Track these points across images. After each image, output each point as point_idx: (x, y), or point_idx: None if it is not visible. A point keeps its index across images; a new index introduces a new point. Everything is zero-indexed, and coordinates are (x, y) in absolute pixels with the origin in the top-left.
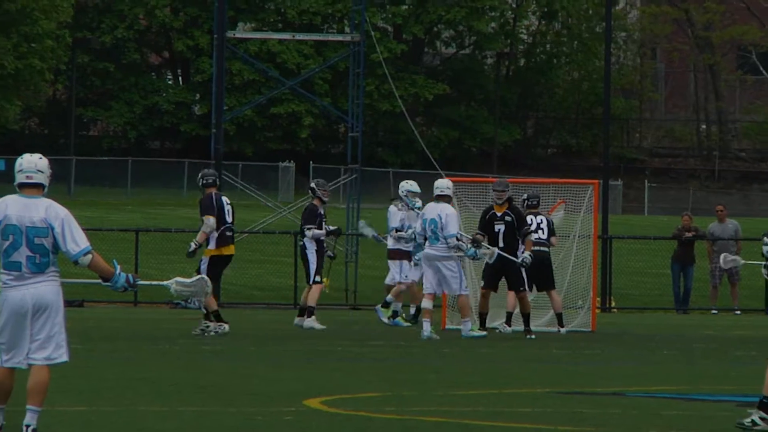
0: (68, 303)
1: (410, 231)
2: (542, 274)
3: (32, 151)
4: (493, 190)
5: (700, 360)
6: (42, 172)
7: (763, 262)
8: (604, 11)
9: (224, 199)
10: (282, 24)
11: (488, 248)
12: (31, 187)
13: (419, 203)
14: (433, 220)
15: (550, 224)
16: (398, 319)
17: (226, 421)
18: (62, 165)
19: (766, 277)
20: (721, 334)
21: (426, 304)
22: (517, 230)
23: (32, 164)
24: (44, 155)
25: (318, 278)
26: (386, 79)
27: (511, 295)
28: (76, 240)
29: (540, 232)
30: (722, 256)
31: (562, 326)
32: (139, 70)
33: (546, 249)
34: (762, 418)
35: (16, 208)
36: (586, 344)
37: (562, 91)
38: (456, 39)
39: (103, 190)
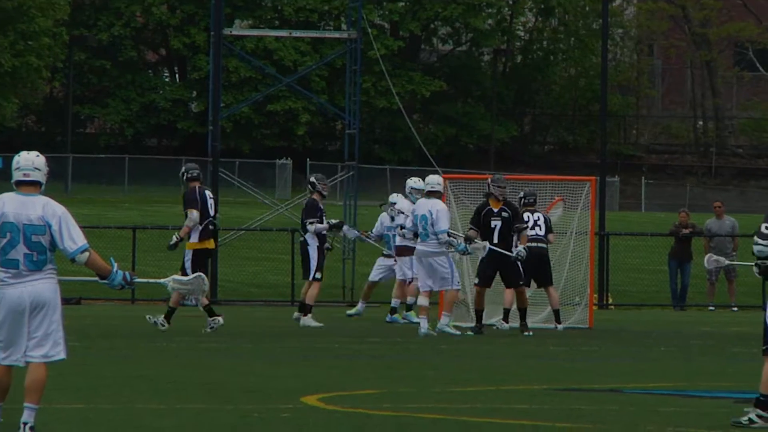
0: (65, 300)
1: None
2: (540, 270)
3: (29, 149)
4: (497, 186)
5: (698, 356)
6: (39, 169)
7: (748, 263)
8: (600, 8)
9: (207, 192)
10: (279, 21)
11: (479, 243)
12: (28, 185)
13: None
14: (424, 216)
15: (547, 221)
16: (398, 315)
17: (224, 419)
18: (59, 162)
19: (757, 275)
20: (718, 331)
21: (422, 301)
22: (513, 225)
23: (29, 162)
24: (41, 153)
25: (318, 275)
26: (383, 76)
27: (509, 291)
28: (74, 238)
29: (537, 228)
30: (706, 256)
31: (559, 323)
32: (135, 68)
33: (544, 246)
34: (759, 416)
35: (14, 205)
36: (584, 341)
37: (558, 87)
38: (453, 36)
39: (100, 188)
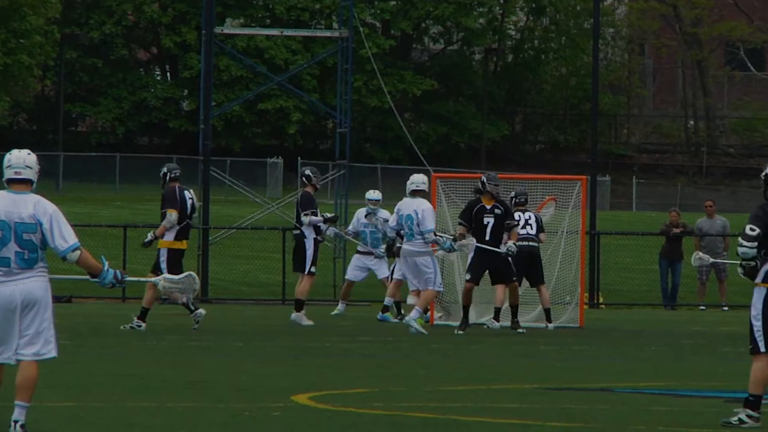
0: (56, 299)
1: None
2: (531, 269)
3: (20, 147)
4: (493, 185)
5: (688, 356)
6: (30, 168)
7: (734, 261)
8: (592, 7)
9: (186, 193)
10: (270, 20)
11: (466, 240)
12: (19, 183)
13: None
14: (410, 216)
15: (538, 220)
16: (389, 314)
17: (214, 417)
18: (50, 161)
19: (741, 275)
20: (709, 330)
21: (412, 300)
22: (505, 223)
23: (21, 160)
24: (32, 151)
25: (314, 269)
26: (374, 75)
27: (500, 290)
28: (65, 236)
29: (528, 227)
30: (693, 254)
31: (550, 322)
32: (127, 66)
33: (535, 245)
34: (749, 416)
35: (5, 203)
36: (574, 340)
37: (550, 87)
38: (444, 35)
39: (91, 186)
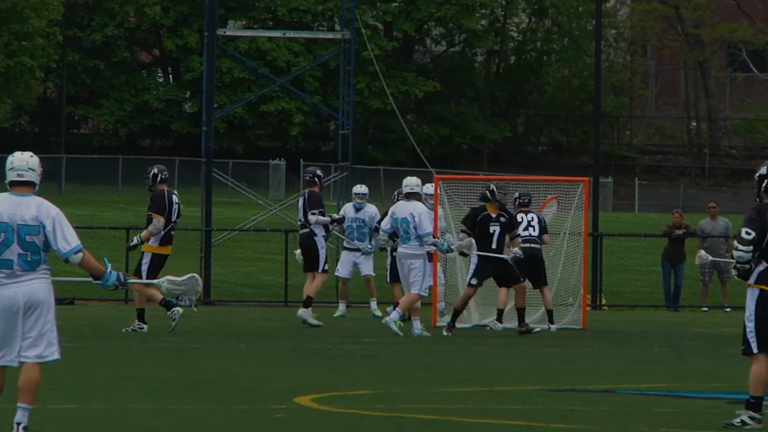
0: (59, 301)
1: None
2: (534, 271)
3: (23, 149)
4: (503, 194)
5: (691, 357)
6: (33, 170)
7: (732, 260)
8: (594, 8)
9: (174, 197)
10: (272, 22)
11: (465, 241)
12: (22, 185)
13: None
14: (405, 219)
15: (541, 222)
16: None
17: (217, 419)
18: (53, 163)
19: (735, 277)
20: (711, 332)
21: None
22: (510, 231)
23: (23, 162)
24: (35, 153)
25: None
26: (377, 77)
27: (503, 291)
28: (67, 238)
29: (531, 229)
30: (697, 253)
31: (553, 323)
32: (129, 68)
33: (538, 246)
34: (751, 417)
35: (7, 206)
36: (577, 341)
37: (552, 88)
38: (446, 36)
39: (93, 188)
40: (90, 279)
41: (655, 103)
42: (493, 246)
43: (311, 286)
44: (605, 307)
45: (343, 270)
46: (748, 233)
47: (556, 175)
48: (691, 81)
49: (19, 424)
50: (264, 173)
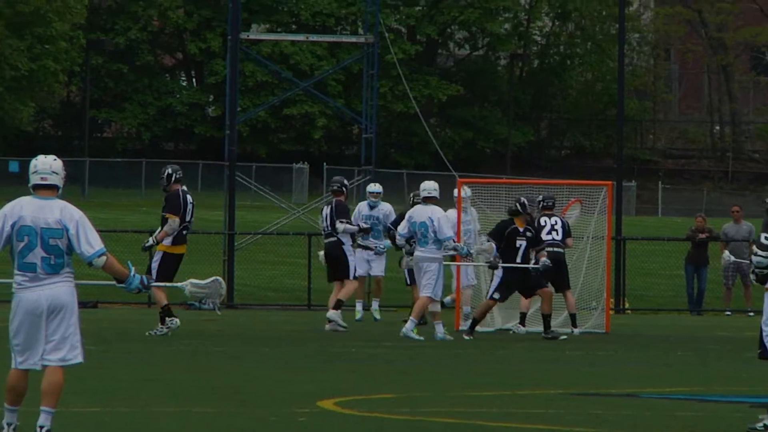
0: (82, 304)
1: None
2: (557, 274)
3: (46, 153)
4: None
5: (714, 361)
6: (56, 173)
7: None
8: (617, 12)
9: (188, 197)
10: (296, 25)
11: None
12: (45, 189)
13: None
14: (423, 223)
15: (564, 225)
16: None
17: (240, 423)
18: (76, 166)
19: (754, 282)
20: (734, 336)
21: (434, 307)
22: (535, 245)
23: (47, 166)
24: (58, 157)
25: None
26: (400, 81)
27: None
28: (91, 242)
29: (554, 233)
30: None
31: (576, 327)
32: (152, 72)
33: (561, 250)
34: None
35: (31, 209)
36: (600, 345)
37: (575, 92)
38: (469, 40)
39: (117, 192)
40: (113, 282)
41: (679, 107)
42: (518, 260)
43: (343, 291)
44: (628, 311)
45: (359, 268)
46: (767, 238)
47: (580, 178)
48: (714, 85)
49: (42, 427)
50: (287, 177)
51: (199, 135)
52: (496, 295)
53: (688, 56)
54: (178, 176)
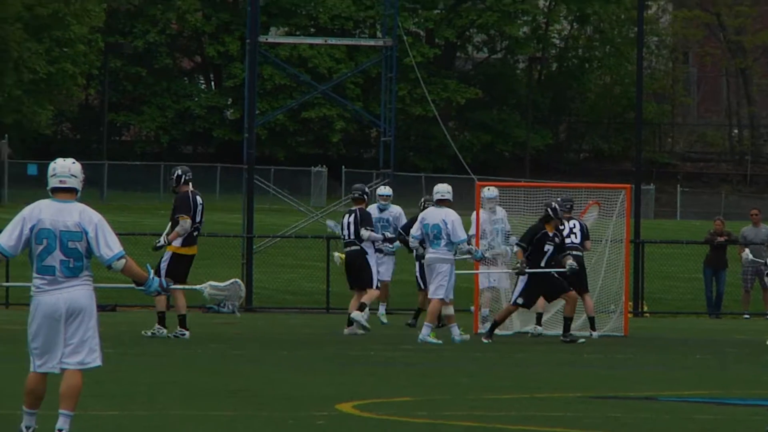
0: (101, 307)
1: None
2: (576, 277)
3: (65, 156)
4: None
5: (733, 364)
6: (75, 176)
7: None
8: (636, 16)
9: (198, 198)
10: (314, 29)
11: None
12: (64, 192)
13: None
14: (437, 225)
15: (583, 228)
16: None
17: (258, 426)
18: (95, 170)
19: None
20: (753, 339)
21: (447, 310)
22: (561, 252)
23: (65, 169)
24: (77, 160)
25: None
26: (418, 84)
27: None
28: (110, 245)
29: (573, 236)
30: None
31: (595, 330)
32: (171, 75)
33: (579, 253)
34: None
35: (50, 212)
36: (619, 348)
37: (594, 95)
38: (488, 43)
39: (135, 195)
40: (132, 285)
41: (697, 110)
42: (542, 264)
43: (366, 295)
44: (647, 314)
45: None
46: None
47: (598, 182)
48: (732, 88)
49: (60, 430)
50: (305, 180)
51: (218, 138)
52: (520, 300)
53: (707, 59)
54: (187, 178)
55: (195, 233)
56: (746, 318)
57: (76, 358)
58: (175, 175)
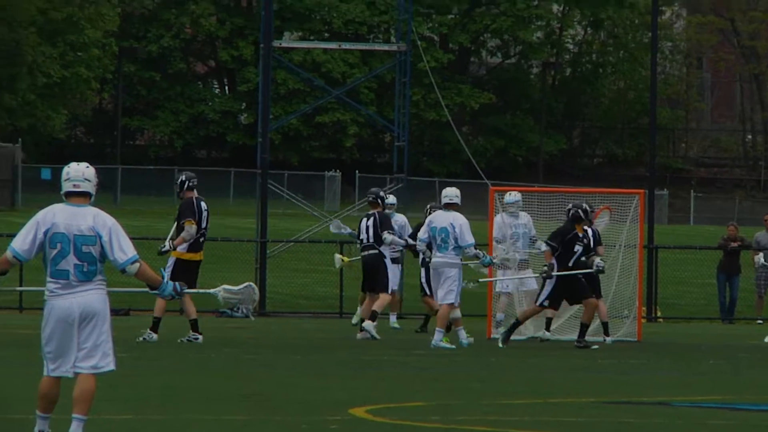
0: (114, 312)
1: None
2: (589, 283)
3: (79, 160)
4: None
5: (746, 370)
6: (89, 180)
7: None
8: (650, 21)
9: (203, 204)
10: (328, 33)
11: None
12: (78, 196)
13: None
14: (444, 228)
15: (595, 233)
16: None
17: (271, 430)
18: (108, 174)
19: None
20: (766, 344)
21: (455, 313)
22: (587, 253)
23: (79, 173)
24: (90, 164)
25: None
26: (432, 89)
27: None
28: (124, 249)
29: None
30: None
31: (608, 335)
32: (185, 80)
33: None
34: None
35: (64, 216)
36: (632, 354)
37: (607, 100)
38: (502, 48)
39: (149, 200)
40: (146, 289)
41: (711, 115)
42: (570, 264)
43: (377, 302)
44: (660, 320)
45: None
46: None
47: (612, 187)
48: (746, 93)
49: None
50: (319, 185)
51: (232, 143)
52: (546, 303)
53: (721, 65)
54: (191, 184)
55: (201, 239)
56: (760, 323)
57: (90, 362)
58: (179, 181)
